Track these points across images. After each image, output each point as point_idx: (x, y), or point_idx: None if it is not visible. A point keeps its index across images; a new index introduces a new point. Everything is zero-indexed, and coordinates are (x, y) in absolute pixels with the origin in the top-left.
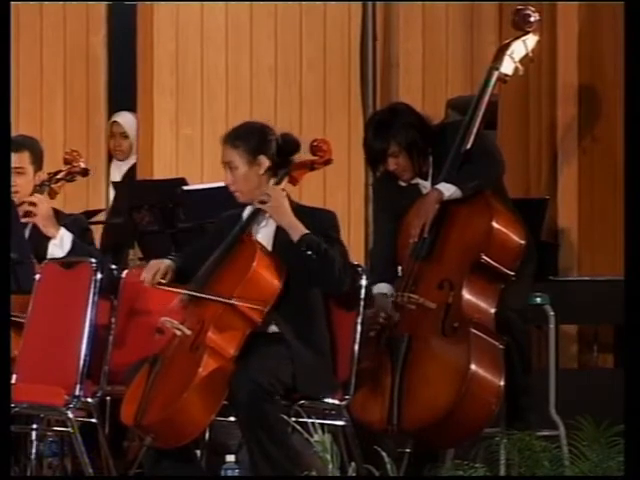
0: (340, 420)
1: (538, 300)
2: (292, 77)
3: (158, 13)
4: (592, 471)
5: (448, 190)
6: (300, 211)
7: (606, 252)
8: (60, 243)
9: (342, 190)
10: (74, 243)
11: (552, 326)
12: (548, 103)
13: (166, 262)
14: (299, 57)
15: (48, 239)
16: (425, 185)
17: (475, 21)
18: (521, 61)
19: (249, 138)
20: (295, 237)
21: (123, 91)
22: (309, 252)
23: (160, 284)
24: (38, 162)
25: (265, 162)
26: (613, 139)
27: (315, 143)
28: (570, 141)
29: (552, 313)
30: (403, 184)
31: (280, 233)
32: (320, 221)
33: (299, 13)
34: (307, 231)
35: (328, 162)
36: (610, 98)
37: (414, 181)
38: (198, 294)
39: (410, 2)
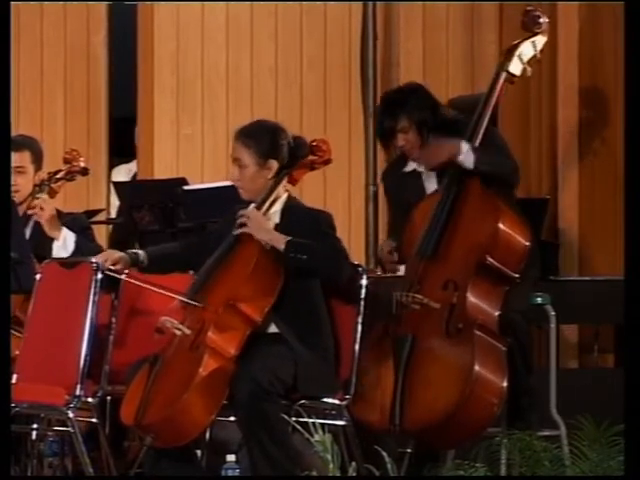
0: (341, 420)
1: (539, 300)
2: (292, 77)
3: (158, 13)
4: (592, 471)
5: (466, 148)
6: (298, 210)
7: (606, 252)
8: (64, 244)
9: (342, 190)
10: (77, 243)
11: (553, 326)
12: (548, 103)
13: (120, 254)
14: (299, 57)
15: (51, 239)
16: (429, 174)
17: (475, 21)
18: (529, 62)
19: (262, 139)
20: (281, 247)
21: (123, 91)
22: (299, 255)
23: (109, 270)
24: (38, 162)
25: (274, 166)
26: (613, 139)
27: (314, 143)
28: (571, 141)
29: (553, 313)
30: (407, 169)
31: (281, 233)
32: (316, 220)
33: (299, 13)
34: (288, 237)
35: (327, 162)
36: (611, 98)
37: (419, 168)
38: (130, 280)
39: (410, 2)
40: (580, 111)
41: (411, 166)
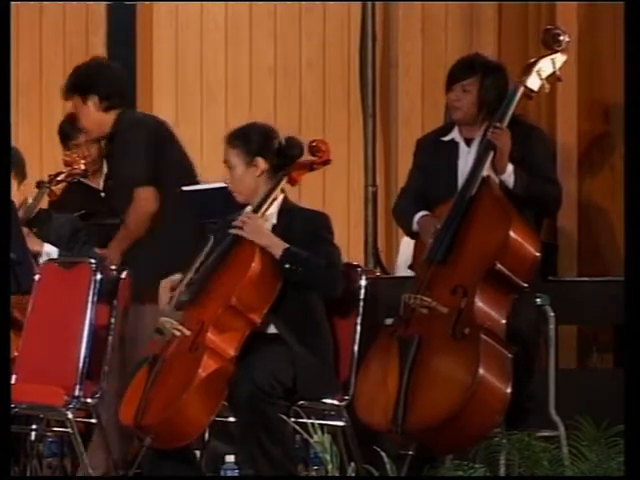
0: (339, 420)
1: (538, 300)
2: (291, 77)
3: (158, 13)
4: (592, 471)
5: (510, 169)
6: (294, 212)
7: (606, 252)
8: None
9: (341, 190)
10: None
11: (552, 326)
12: (547, 104)
13: (175, 278)
14: (298, 57)
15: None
16: (464, 149)
17: (474, 21)
18: (547, 79)
19: (249, 139)
20: (277, 254)
21: None
22: (294, 267)
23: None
24: (20, 173)
25: (262, 164)
26: (612, 139)
27: (314, 144)
28: (569, 141)
29: (552, 313)
30: (446, 138)
31: (278, 235)
32: (313, 222)
33: (299, 13)
34: (286, 245)
35: (327, 162)
36: (609, 98)
37: (457, 139)
38: None
39: (409, 2)
40: (579, 111)
41: (450, 136)
